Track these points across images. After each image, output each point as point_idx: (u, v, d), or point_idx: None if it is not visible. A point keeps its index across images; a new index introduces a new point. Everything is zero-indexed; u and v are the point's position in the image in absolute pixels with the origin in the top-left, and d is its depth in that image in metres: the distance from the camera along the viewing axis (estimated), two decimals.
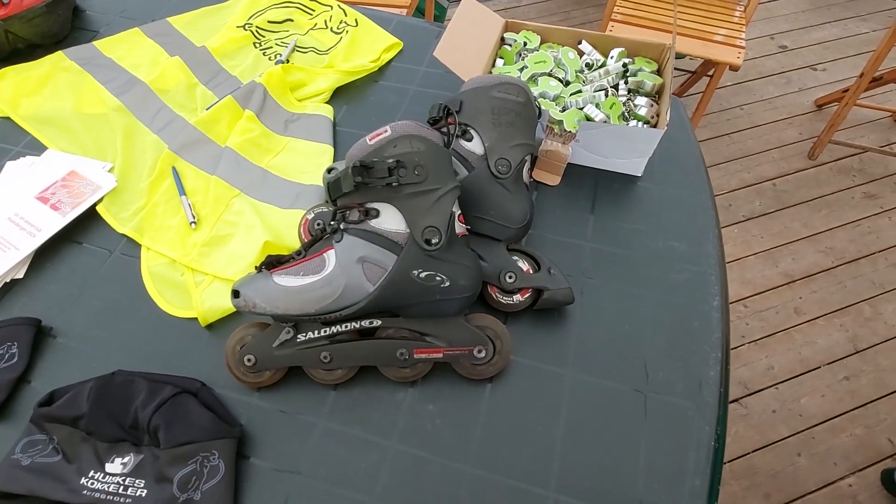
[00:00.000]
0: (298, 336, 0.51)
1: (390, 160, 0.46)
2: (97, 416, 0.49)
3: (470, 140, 0.58)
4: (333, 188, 0.50)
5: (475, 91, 0.58)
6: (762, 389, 1.32)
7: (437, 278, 0.49)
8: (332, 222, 0.52)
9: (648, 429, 0.52)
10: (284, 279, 0.49)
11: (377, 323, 0.51)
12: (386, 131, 0.48)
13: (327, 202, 0.67)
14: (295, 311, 0.48)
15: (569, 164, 0.70)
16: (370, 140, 0.48)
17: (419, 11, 1.67)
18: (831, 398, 1.31)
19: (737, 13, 1.60)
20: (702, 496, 0.48)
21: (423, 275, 0.49)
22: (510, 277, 0.56)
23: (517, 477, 0.49)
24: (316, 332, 0.51)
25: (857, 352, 1.38)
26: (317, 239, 0.53)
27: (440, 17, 1.80)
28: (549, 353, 0.57)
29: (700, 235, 0.66)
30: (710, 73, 1.62)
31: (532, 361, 0.56)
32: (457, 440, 0.51)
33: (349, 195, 0.49)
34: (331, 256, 0.49)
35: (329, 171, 0.62)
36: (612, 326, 0.59)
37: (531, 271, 0.58)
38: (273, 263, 0.51)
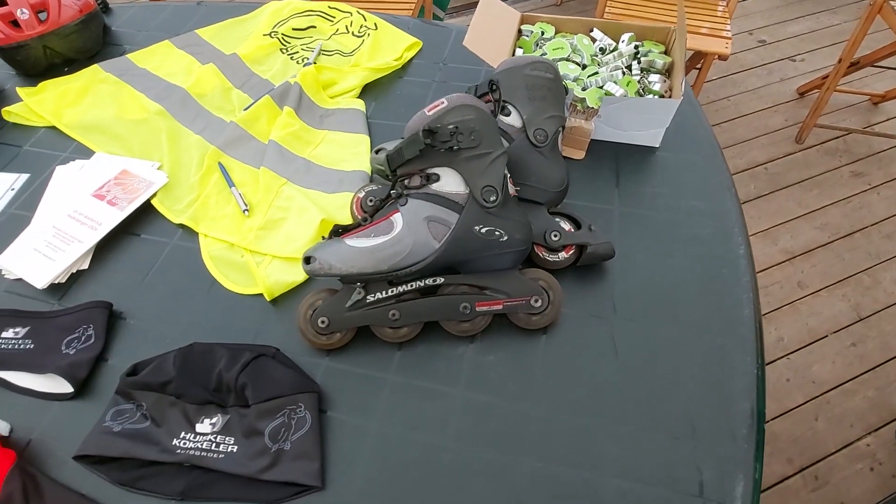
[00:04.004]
0: (368, 297, 0.55)
1: (451, 126, 0.51)
2: (185, 380, 0.52)
3: (508, 115, 0.63)
4: (394, 158, 0.54)
5: (509, 71, 0.63)
6: (775, 360, 1.37)
7: (496, 233, 0.53)
8: (392, 190, 0.56)
9: (692, 364, 0.56)
10: (357, 241, 0.53)
11: (440, 280, 0.56)
12: (443, 103, 0.52)
13: (372, 180, 0.72)
14: (369, 270, 0.52)
15: (591, 139, 0.75)
16: (428, 111, 0.53)
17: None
18: (841, 364, 1.36)
19: (720, 8, 1.70)
20: (752, 417, 0.52)
21: (483, 230, 0.53)
22: (555, 236, 0.60)
23: (577, 413, 0.53)
24: (384, 292, 0.55)
25: (861, 319, 1.44)
26: (378, 208, 0.57)
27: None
28: (594, 304, 0.61)
29: (718, 194, 0.72)
30: (699, 66, 1.71)
31: (579, 312, 0.60)
32: (518, 385, 0.55)
33: (410, 163, 0.53)
34: (398, 219, 0.53)
35: (377, 151, 0.67)
36: (647, 278, 0.63)
37: (572, 230, 0.62)
38: (340, 231, 0.55)
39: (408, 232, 0.52)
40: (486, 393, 0.55)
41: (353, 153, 0.78)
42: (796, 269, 1.55)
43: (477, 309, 0.56)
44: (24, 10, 0.86)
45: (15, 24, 0.87)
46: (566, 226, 0.62)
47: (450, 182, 0.53)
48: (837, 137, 1.85)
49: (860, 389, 1.32)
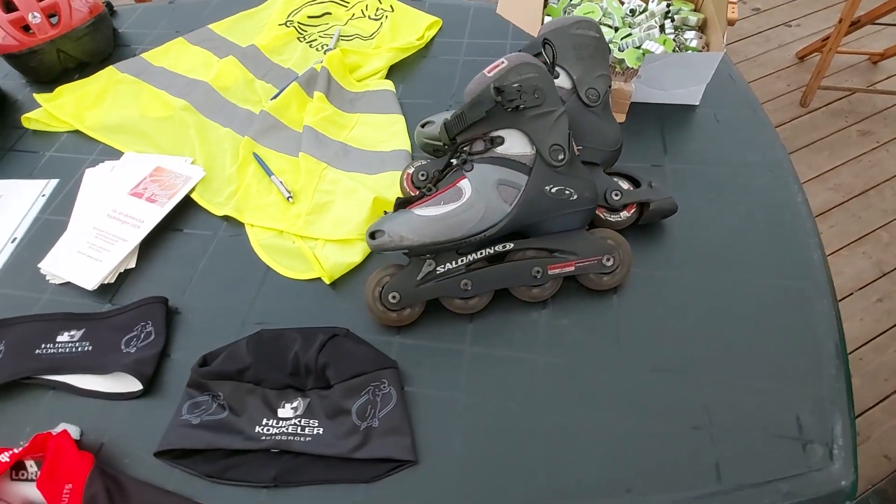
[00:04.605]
0: (438, 268, 0.54)
1: (515, 84, 0.49)
2: (262, 365, 0.51)
3: (557, 77, 0.62)
4: (453, 125, 0.53)
5: (555, 32, 0.62)
6: None
7: (566, 192, 0.52)
8: (453, 159, 0.55)
9: (769, 310, 0.56)
10: (426, 210, 0.51)
11: (509, 246, 0.54)
12: (503, 62, 0.51)
13: (414, 157, 0.70)
14: (441, 238, 0.51)
15: (631, 102, 0.75)
16: (488, 72, 0.51)
17: None
18: (869, 320, 1.37)
19: None
20: (838, 356, 0.52)
21: (553, 190, 0.52)
22: (616, 195, 0.59)
23: (661, 367, 0.52)
24: (453, 262, 0.54)
25: (884, 274, 1.45)
26: (438, 179, 0.55)
27: None
28: (660, 261, 0.60)
29: (766, 145, 0.71)
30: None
31: (646, 270, 0.59)
32: (597, 346, 0.54)
33: (473, 128, 0.52)
34: (466, 185, 0.52)
35: (423, 125, 0.65)
36: (709, 231, 0.62)
37: (631, 189, 0.61)
38: (404, 204, 0.54)
39: (478, 197, 0.51)
40: (565, 356, 0.54)
41: (390, 133, 0.77)
42: None
43: (549, 272, 0.55)
44: (36, 13, 0.84)
45: (26, 29, 0.85)
46: (625, 185, 0.61)
47: (515, 144, 0.52)
48: (841, 98, 1.86)
49: (891, 343, 1.32)
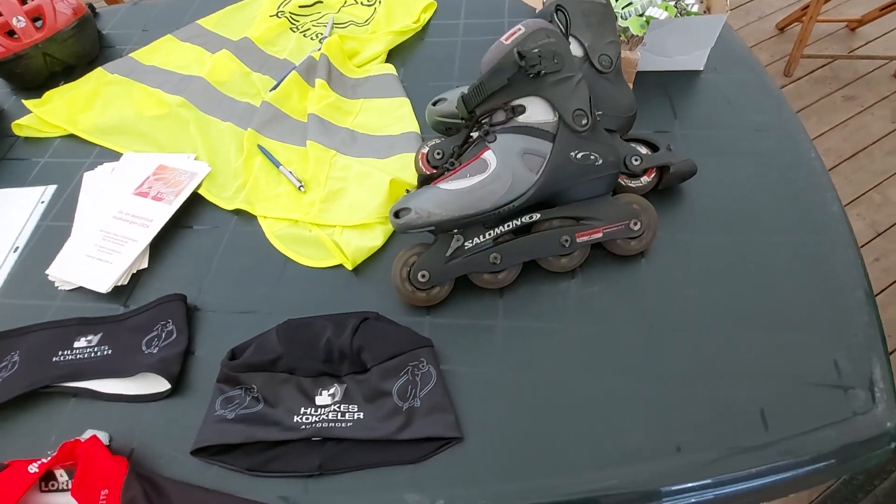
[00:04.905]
0: (466, 243, 0.53)
1: (535, 50, 0.49)
2: (294, 353, 0.50)
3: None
4: (471, 97, 0.52)
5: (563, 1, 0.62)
6: None
7: (591, 157, 0.52)
8: (473, 132, 0.54)
9: (796, 264, 0.56)
10: (452, 184, 0.50)
11: (536, 216, 0.54)
12: (520, 29, 0.50)
13: (423, 138, 0.69)
14: (470, 211, 0.50)
15: (636, 71, 0.74)
16: (505, 40, 0.50)
17: None
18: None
19: None
20: (868, 303, 0.52)
21: (579, 156, 0.51)
22: (636, 160, 0.59)
23: (695, 328, 0.52)
24: (480, 236, 0.53)
25: (879, 234, 1.47)
26: (459, 154, 0.54)
27: None
28: (682, 224, 0.60)
29: (774, 106, 0.71)
30: None
31: (669, 234, 0.59)
32: (629, 311, 0.54)
33: (493, 98, 0.51)
34: (490, 156, 0.51)
35: (435, 102, 0.64)
36: (726, 193, 0.62)
37: (649, 154, 0.61)
38: (427, 181, 0.53)
39: (504, 167, 0.50)
40: (599, 323, 0.53)
41: (397, 117, 0.75)
42: None
43: (577, 241, 0.54)
44: (20, 17, 0.81)
45: (10, 34, 0.81)
46: (642, 150, 0.61)
47: (537, 111, 0.51)
48: (824, 66, 1.89)
49: (891, 300, 1.35)
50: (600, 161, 0.52)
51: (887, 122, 1.73)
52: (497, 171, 0.50)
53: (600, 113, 0.56)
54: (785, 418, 0.46)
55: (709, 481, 0.44)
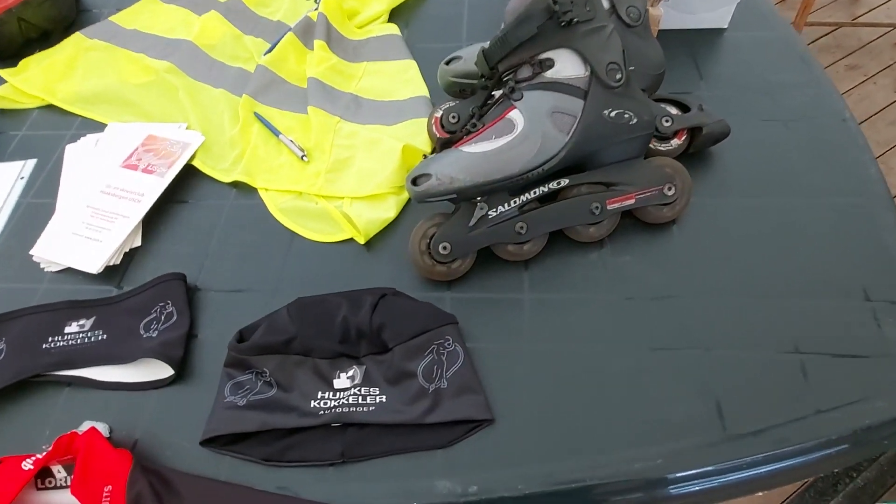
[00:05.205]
0: (490, 212, 0.49)
1: None
2: (308, 333, 0.46)
3: None
4: (494, 50, 0.47)
5: None
6: None
7: (625, 115, 0.48)
8: (495, 90, 0.49)
9: (834, 229, 0.53)
10: (476, 147, 0.46)
11: (564, 182, 0.50)
12: None
13: (434, 103, 0.64)
14: (497, 176, 0.46)
15: (659, 30, 0.70)
16: None
17: None
18: None
19: None
20: None
21: (613, 114, 0.47)
22: (666, 121, 0.55)
23: (734, 295, 0.49)
24: (505, 205, 0.49)
25: None
26: (481, 115, 0.50)
27: None
28: (714, 189, 0.57)
29: (803, 64, 0.68)
30: None
31: (703, 199, 0.56)
32: (664, 280, 0.51)
33: (518, 51, 0.46)
34: (517, 115, 0.47)
35: (448, 62, 0.59)
36: (758, 155, 0.59)
37: (680, 114, 0.57)
38: (447, 145, 0.49)
39: (532, 128, 0.46)
40: (632, 294, 0.50)
41: (403, 81, 0.70)
42: None
43: (608, 208, 0.50)
44: None
45: None
46: (672, 111, 0.57)
47: (566, 66, 0.47)
48: (827, 34, 1.85)
49: None
50: (635, 120, 0.48)
51: (890, 91, 1.71)
52: (525, 131, 0.46)
53: (632, 68, 0.51)
54: (834, 388, 0.44)
55: (759, 457, 0.42)
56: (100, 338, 0.51)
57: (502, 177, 0.46)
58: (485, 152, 0.46)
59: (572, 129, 0.47)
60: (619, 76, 0.47)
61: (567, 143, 0.47)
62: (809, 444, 0.42)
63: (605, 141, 0.48)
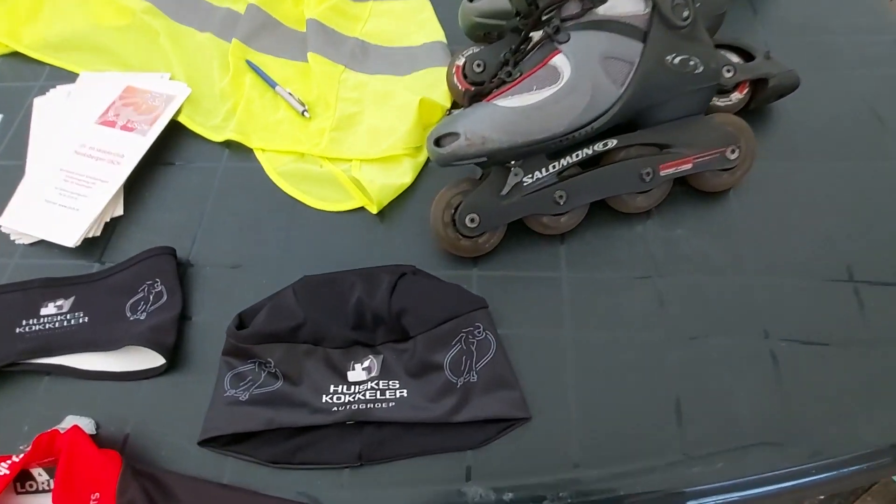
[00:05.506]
0: (525, 179, 0.42)
1: None
2: (319, 319, 0.40)
3: None
4: None
5: None
6: None
7: (691, 62, 0.40)
8: (533, 33, 0.41)
9: None
10: (513, 100, 0.39)
11: (612, 143, 0.43)
12: None
13: (452, 51, 0.56)
14: (539, 136, 0.38)
15: None
16: None
17: None
18: None
19: None
20: None
21: (676, 60, 0.40)
22: (728, 71, 0.47)
23: (806, 274, 0.43)
24: (542, 170, 0.42)
25: None
26: (515, 62, 0.42)
27: None
28: (779, 151, 0.50)
29: (880, 5, 0.59)
30: None
31: (767, 163, 0.48)
32: (723, 255, 0.45)
33: None
34: (562, 61, 0.39)
35: None
36: (827, 111, 0.52)
37: (742, 63, 0.49)
38: (478, 97, 0.41)
39: (581, 76, 0.38)
40: (687, 272, 0.44)
41: (417, 24, 0.61)
42: None
43: (661, 173, 0.43)
44: None
45: None
46: (734, 59, 0.49)
47: (623, 0, 0.39)
48: None
49: None
50: (701, 68, 0.40)
51: None
52: (572, 81, 0.38)
53: (698, 4, 0.43)
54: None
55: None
56: (81, 321, 0.45)
57: (544, 137, 0.39)
58: (524, 107, 0.38)
59: (628, 79, 0.39)
60: (685, 14, 0.39)
61: (621, 95, 0.39)
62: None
63: (665, 93, 0.40)
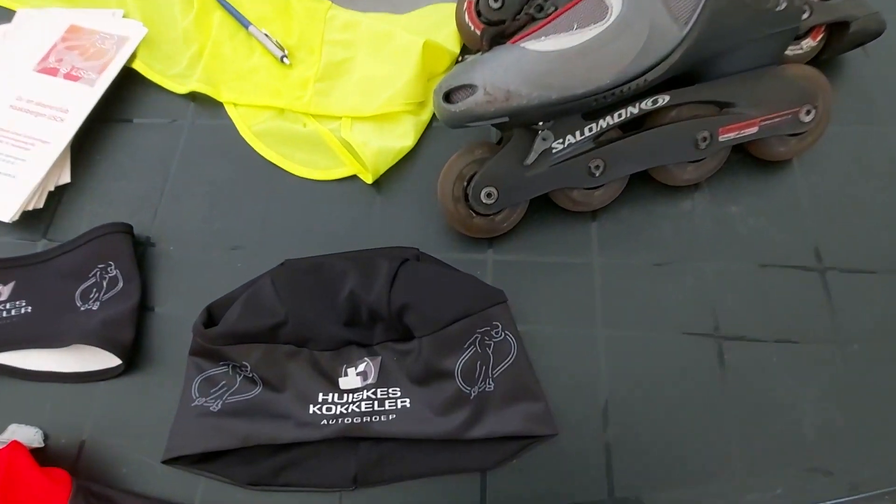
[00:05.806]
0: (555, 144, 0.34)
1: None
2: (304, 314, 0.33)
3: None
4: None
5: None
6: None
7: None
8: None
9: None
10: (547, 42, 0.30)
11: (663, 100, 0.35)
12: None
13: None
14: (581, 89, 0.30)
15: None
16: None
17: None
18: None
19: None
20: None
21: None
22: (804, 12, 0.38)
23: (887, 265, 0.36)
24: (576, 133, 0.34)
25: None
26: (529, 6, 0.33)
27: None
28: (852, 109, 0.41)
29: None
30: None
31: (840, 126, 0.40)
32: (785, 241, 0.37)
33: None
34: None
35: None
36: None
37: (818, 2, 0.40)
38: (499, 38, 0.32)
39: (635, 12, 0.30)
40: (747, 258, 0.37)
41: None
42: None
43: (720, 139, 0.36)
44: None
45: None
46: None
47: None
48: None
49: None
50: (783, 4, 0.32)
51: None
52: (624, 17, 0.30)
53: None
54: None
55: None
56: (22, 311, 0.38)
57: (585, 91, 0.30)
58: (561, 51, 0.30)
59: (693, 17, 0.30)
60: None
61: (684, 38, 0.31)
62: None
63: (736, 36, 0.32)
